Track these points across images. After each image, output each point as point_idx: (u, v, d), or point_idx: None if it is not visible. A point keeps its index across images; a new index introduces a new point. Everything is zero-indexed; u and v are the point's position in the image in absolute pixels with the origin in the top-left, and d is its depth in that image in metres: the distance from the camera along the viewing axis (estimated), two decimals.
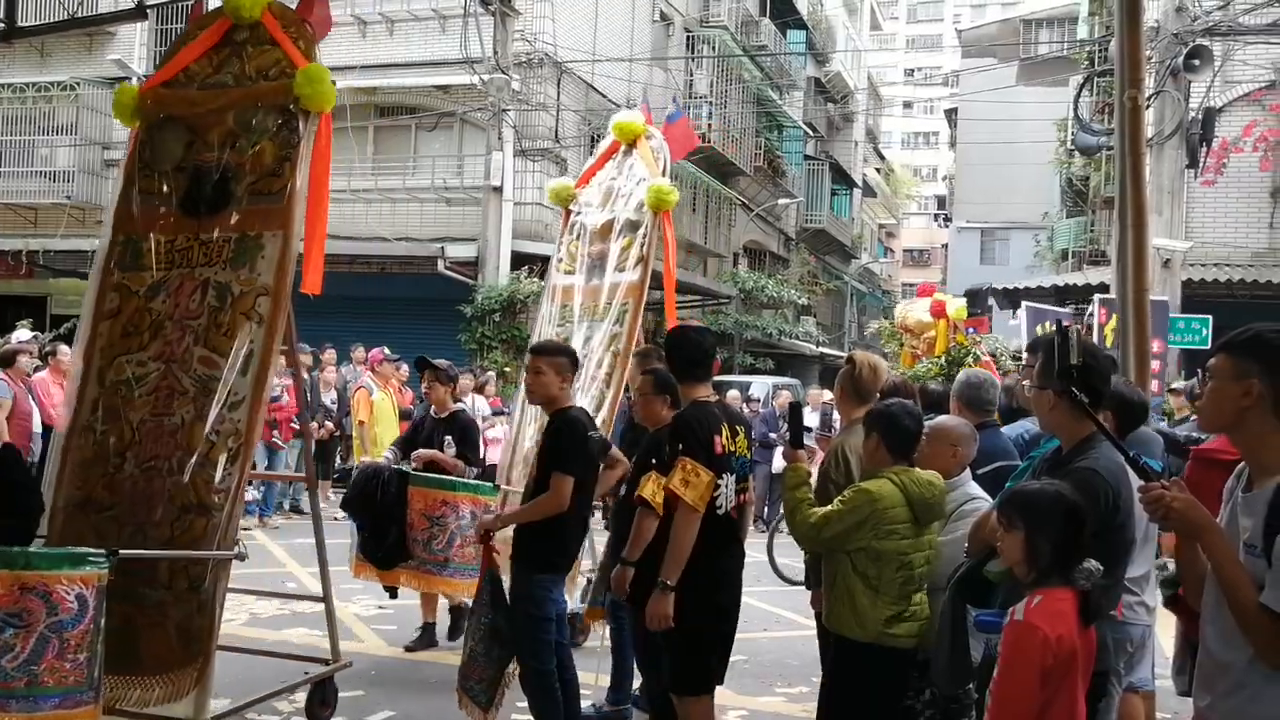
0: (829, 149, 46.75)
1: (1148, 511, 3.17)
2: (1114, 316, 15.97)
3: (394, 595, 8.64)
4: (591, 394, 8.20)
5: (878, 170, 63.10)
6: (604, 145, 9.35)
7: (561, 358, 6.16)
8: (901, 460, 4.98)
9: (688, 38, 30.15)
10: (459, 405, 9.15)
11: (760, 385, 22.27)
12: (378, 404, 14.38)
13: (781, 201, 37.23)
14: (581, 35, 23.75)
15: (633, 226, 8.47)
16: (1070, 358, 3.91)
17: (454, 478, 8.20)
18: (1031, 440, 6.40)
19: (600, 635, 6.68)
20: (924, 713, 4.99)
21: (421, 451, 8.40)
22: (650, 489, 5.40)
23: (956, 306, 12.69)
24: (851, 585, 4.86)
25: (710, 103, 29.77)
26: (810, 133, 42.64)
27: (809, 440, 6.50)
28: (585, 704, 6.49)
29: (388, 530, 7.89)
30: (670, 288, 8.60)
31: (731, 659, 8.19)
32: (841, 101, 49.08)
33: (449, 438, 8.50)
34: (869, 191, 57.80)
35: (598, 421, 7.16)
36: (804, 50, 40.98)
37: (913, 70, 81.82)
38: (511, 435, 9.08)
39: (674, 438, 5.32)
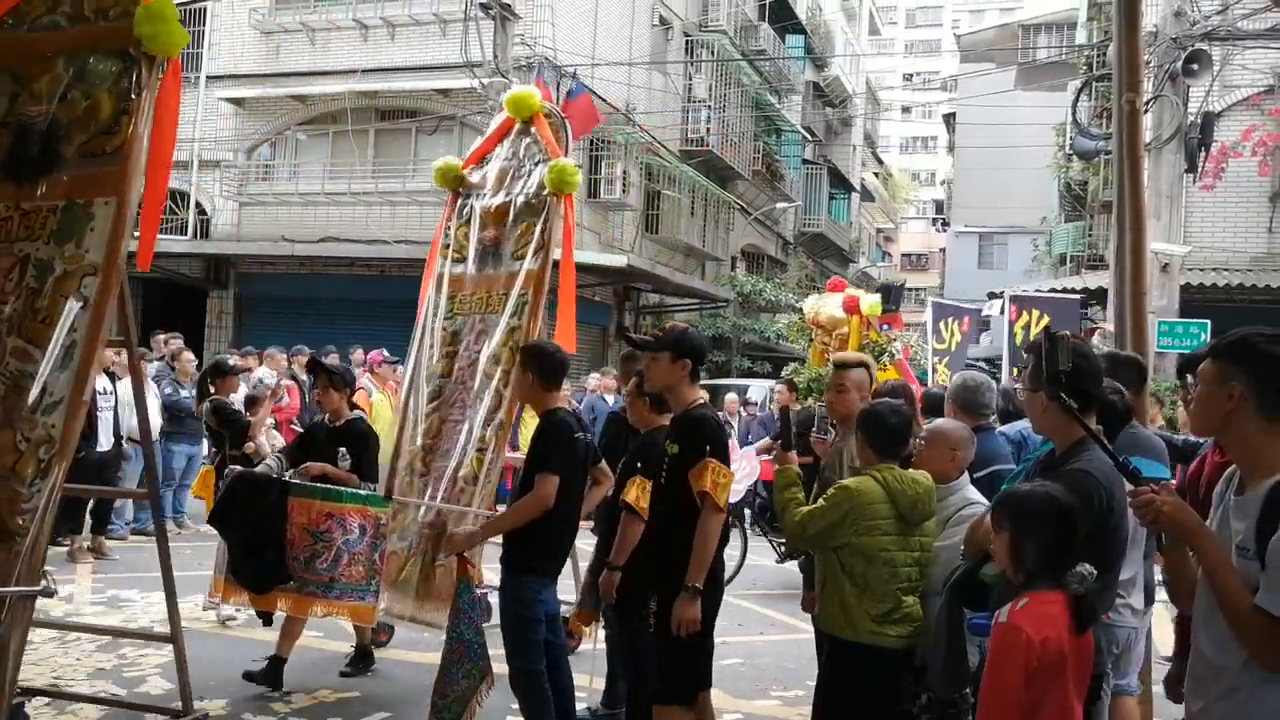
0: (827, 153, 46.76)
1: (1137, 515, 3.18)
2: (1025, 314, 16.03)
3: (268, 622, 7.83)
4: (489, 392, 7.26)
5: (876, 175, 63.15)
6: (496, 122, 8.36)
7: (536, 359, 6.15)
8: (887, 459, 5.02)
9: (687, 42, 30.18)
10: (355, 413, 8.18)
11: (758, 389, 22.26)
12: (376, 406, 14.34)
13: (780, 205, 37.23)
14: (581, 39, 23.78)
15: (531, 210, 7.60)
16: (1059, 363, 3.92)
17: (339, 487, 7.40)
18: (1018, 441, 6.43)
19: (594, 638, 6.66)
20: (920, 717, 4.99)
21: (311, 465, 7.56)
22: (634, 494, 5.40)
23: (870, 302, 12.19)
24: (840, 583, 4.91)
25: (709, 107, 29.79)
26: (809, 137, 42.65)
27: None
28: (580, 706, 6.47)
29: (264, 548, 7.07)
30: (569, 278, 7.77)
31: (728, 662, 8.26)
32: (840, 106, 49.12)
33: (343, 449, 7.65)
34: (867, 196, 57.85)
35: (495, 422, 6.98)
36: (803, 55, 41.00)
37: (911, 75, 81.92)
38: (391, 444, 7.92)
39: (695, 440, 5.22)
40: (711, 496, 5.09)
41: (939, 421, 5.70)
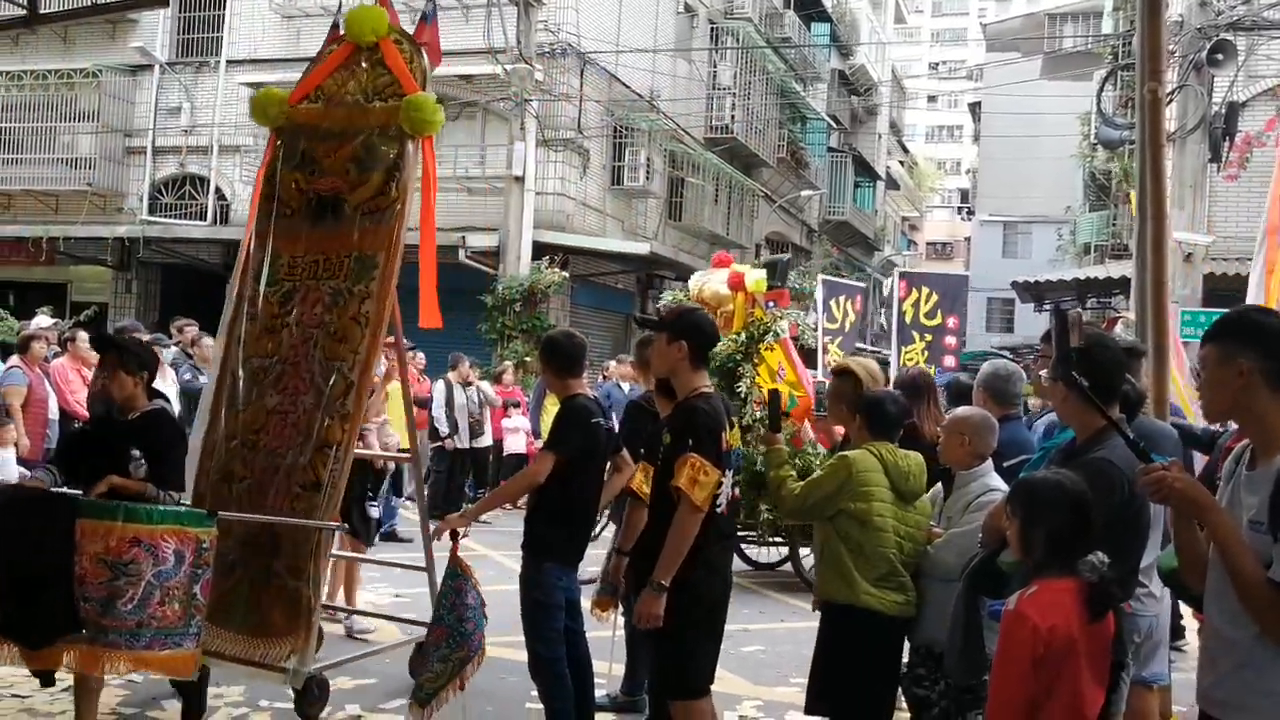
0: (852, 141, 46.63)
1: (1148, 493, 3.18)
2: (914, 291, 15.96)
3: (48, 683, 6.03)
4: (333, 376, 6.40)
5: (901, 163, 62.94)
6: (332, 48, 7.09)
7: (549, 352, 6.15)
8: (882, 439, 5.27)
9: (712, 29, 30.07)
10: (156, 403, 6.11)
11: None
12: (390, 393, 14.36)
13: (804, 193, 37.15)
14: (605, 26, 23.72)
15: (378, 156, 6.57)
16: (1069, 343, 3.91)
17: (152, 506, 5.45)
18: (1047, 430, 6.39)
19: (614, 624, 6.65)
20: (939, 703, 5.04)
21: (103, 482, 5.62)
22: (639, 479, 5.36)
23: (755, 279, 11.30)
24: (837, 550, 5.11)
25: (734, 94, 29.70)
26: (834, 125, 42.51)
27: None
28: (599, 693, 6.47)
29: (39, 589, 5.16)
30: (429, 238, 6.90)
31: (747, 649, 8.25)
32: (865, 94, 48.96)
33: (136, 451, 5.79)
34: (892, 184, 57.64)
35: (341, 413, 6.31)
36: (828, 43, 40.88)
37: (937, 64, 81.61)
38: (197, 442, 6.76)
39: (682, 432, 5.03)
40: (686, 493, 4.86)
41: (959, 409, 5.78)
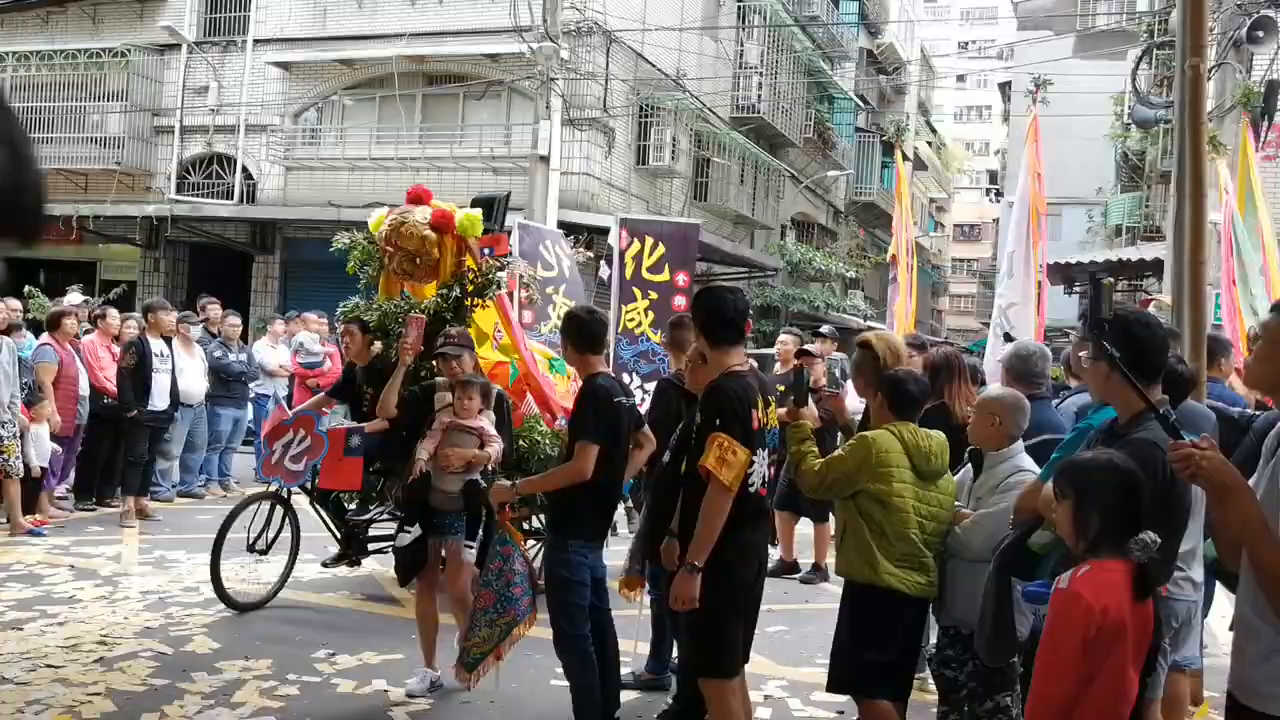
0: (880, 121, 46.39)
1: (1176, 469, 3.12)
2: (636, 242, 13.38)
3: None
4: None
5: (929, 144, 62.58)
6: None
7: (570, 325, 6.11)
8: (904, 419, 5.26)
9: (739, 7, 29.90)
10: None
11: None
12: None
13: (831, 174, 36.97)
14: (631, 4, 23.61)
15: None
16: (1101, 310, 3.86)
17: None
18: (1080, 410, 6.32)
19: (640, 603, 6.62)
20: (967, 684, 5.02)
21: None
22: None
23: (467, 218, 9.04)
24: (859, 529, 5.10)
25: (760, 73, 29.54)
26: (861, 105, 42.27)
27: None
28: (624, 671, 6.44)
29: None
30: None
31: (772, 630, 8.21)
32: (894, 74, 48.66)
33: None
34: (920, 165, 57.33)
35: None
36: (856, 21, 40.62)
37: (967, 43, 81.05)
38: None
39: (708, 412, 5.06)
40: (713, 473, 4.89)
41: (989, 388, 5.79)
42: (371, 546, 8.68)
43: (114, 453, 12.46)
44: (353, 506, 8.75)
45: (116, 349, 12.34)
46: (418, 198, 9.38)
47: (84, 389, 11.86)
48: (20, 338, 11.72)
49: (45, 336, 11.81)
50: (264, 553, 8.49)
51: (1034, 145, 14.46)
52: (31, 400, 11.06)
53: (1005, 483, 5.06)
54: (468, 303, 8.89)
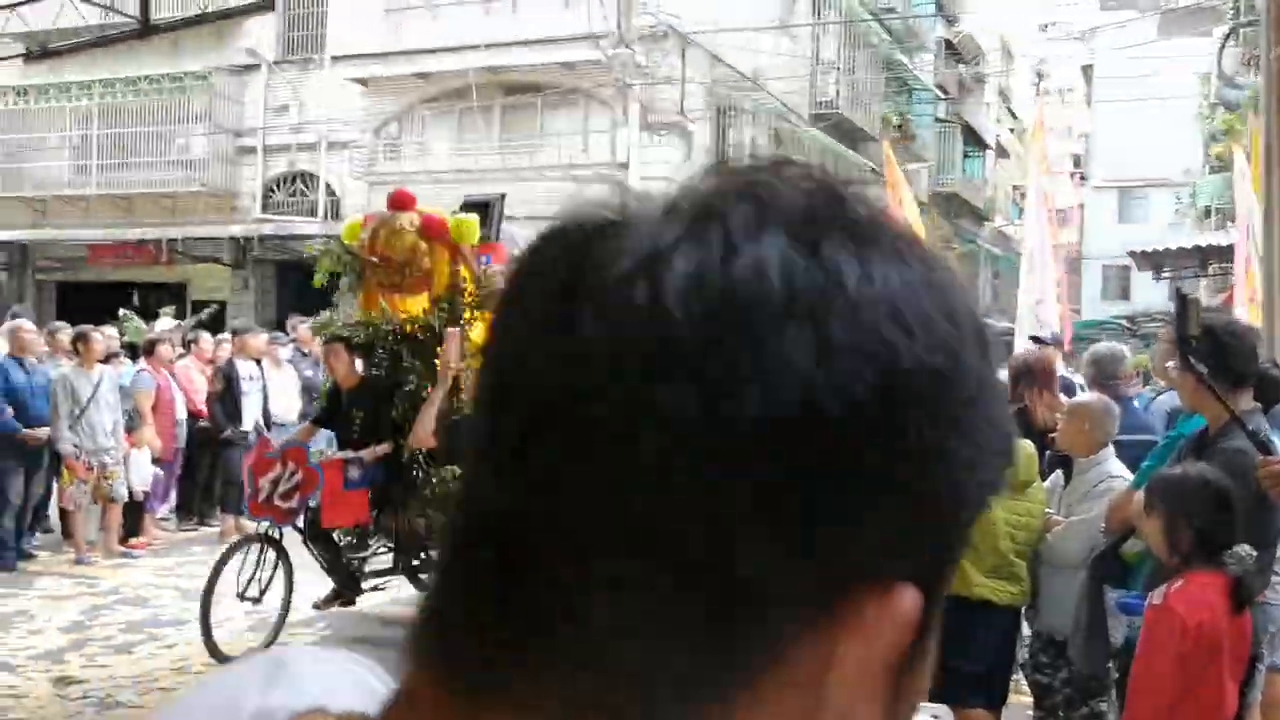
0: (961, 110, 45.91)
1: (1267, 486, 3.08)
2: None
3: None
4: None
5: (1011, 130, 61.82)
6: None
7: None
8: None
9: (813, 3, 29.75)
10: None
11: None
12: None
13: (912, 166, 36.66)
14: (705, 6, 23.57)
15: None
16: (1189, 328, 3.81)
17: None
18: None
19: None
20: (1062, 690, 5.03)
21: None
22: None
23: (463, 223, 8.45)
24: None
25: (838, 69, 29.37)
26: (941, 95, 41.87)
27: None
28: None
29: None
30: None
31: None
32: (973, 63, 48.15)
33: None
34: (1002, 153, 56.66)
35: None
36: (933, 11, 40.25)
37: (1046, 25, 79.96)
38: None
39: None
40: None
41: (1080, 396, 5.76)
42: (366, 585, 8.21)
43: (213, 473, 12.71)
44: (347, 541, 8.28)
45: (209, 370, 12.59)
46: (401, 202, 8.70)
47: (181, 413, 12.11)
48: (119, 365, 11.99)
49: (142, 363, 12.07)
50: (256, 600, 7.93)
51: (1040, 139, 14.10)
52: (132, 426, 11.33)
53: (1094, 490, 5.04)
54: (468, 316, 8.18)
